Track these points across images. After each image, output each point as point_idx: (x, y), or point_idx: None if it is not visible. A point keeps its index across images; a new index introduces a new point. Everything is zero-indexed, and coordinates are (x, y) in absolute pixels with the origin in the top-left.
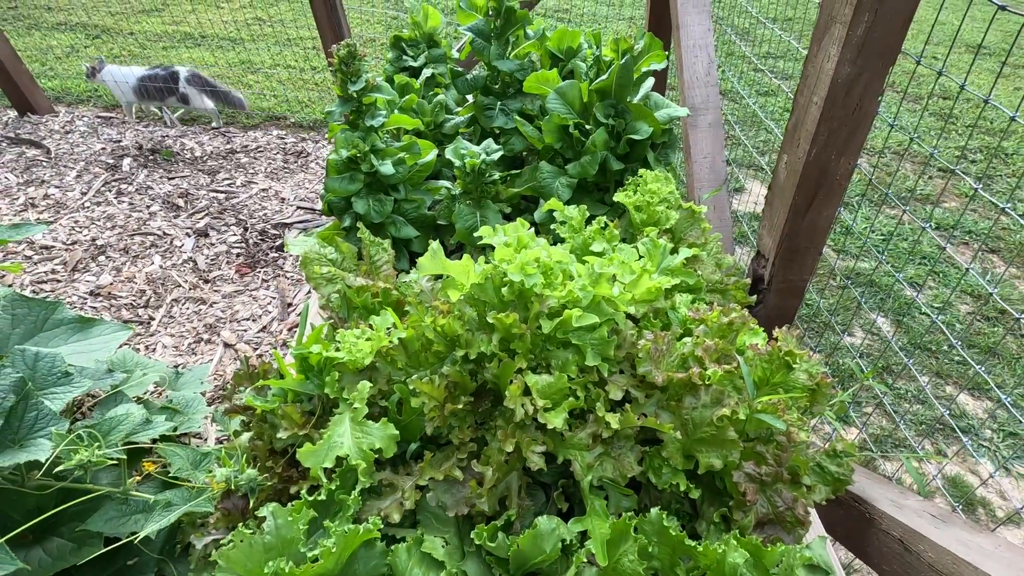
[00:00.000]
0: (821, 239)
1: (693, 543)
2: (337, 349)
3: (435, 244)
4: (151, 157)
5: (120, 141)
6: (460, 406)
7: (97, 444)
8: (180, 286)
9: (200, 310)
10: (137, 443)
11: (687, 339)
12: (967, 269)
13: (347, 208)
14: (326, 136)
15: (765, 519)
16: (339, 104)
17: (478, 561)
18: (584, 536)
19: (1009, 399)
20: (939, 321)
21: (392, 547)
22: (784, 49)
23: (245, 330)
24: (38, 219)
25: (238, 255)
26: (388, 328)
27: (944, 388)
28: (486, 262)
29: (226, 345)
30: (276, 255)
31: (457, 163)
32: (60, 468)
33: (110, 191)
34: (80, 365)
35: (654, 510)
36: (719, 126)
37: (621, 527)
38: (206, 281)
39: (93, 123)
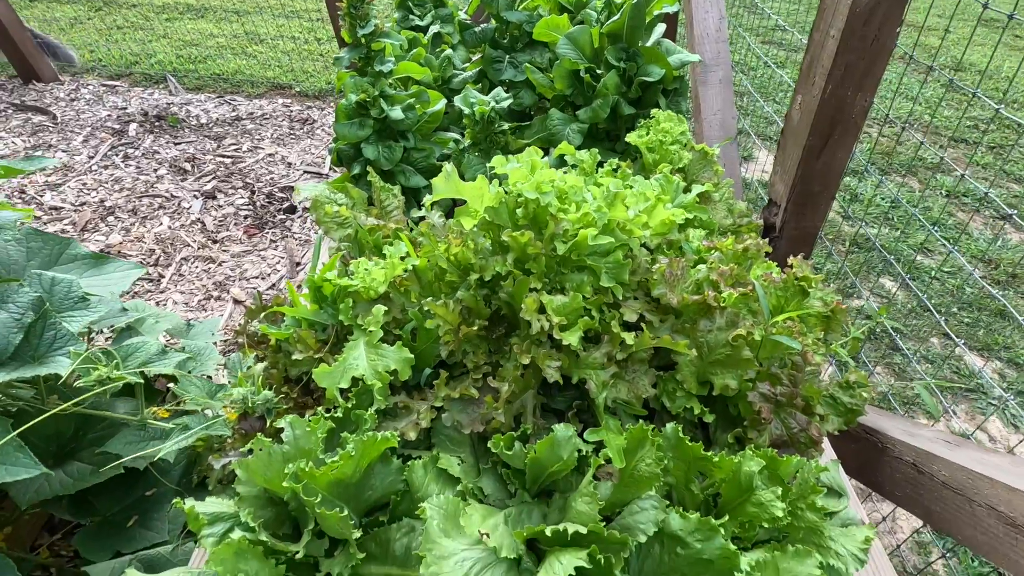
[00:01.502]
0: (835, 183)
1: (709, 454)
2: (351, 277)
3: (449, 165)
4: (157, 123)
5: (126, 108)
6: (475, 329)
7: (115, 363)
8: (189, 245)
9: (209, 268)
10: (153, 375)
11: (701, 266)
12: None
13: (356, 156)
14: (332, 104)
15: (779, 440)
16: (348, 50)
17: (493, 477)
18: (599, 450)
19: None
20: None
21: (408, 463)
22: (793, 21)
23: (254, 287)
24: (46, 182)
25: (246, 217)
26: (402, 256)
27: (953, 349)
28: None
29: (236, 301)
30: (283, 217)
31: (466, 111)
32: (79, 383)
33: (117, 155)
34: (96, 295)
35: (669, 425)
36: (729, 83)
37: (637, 433)
38: (214, 241)
39: (98, 91)
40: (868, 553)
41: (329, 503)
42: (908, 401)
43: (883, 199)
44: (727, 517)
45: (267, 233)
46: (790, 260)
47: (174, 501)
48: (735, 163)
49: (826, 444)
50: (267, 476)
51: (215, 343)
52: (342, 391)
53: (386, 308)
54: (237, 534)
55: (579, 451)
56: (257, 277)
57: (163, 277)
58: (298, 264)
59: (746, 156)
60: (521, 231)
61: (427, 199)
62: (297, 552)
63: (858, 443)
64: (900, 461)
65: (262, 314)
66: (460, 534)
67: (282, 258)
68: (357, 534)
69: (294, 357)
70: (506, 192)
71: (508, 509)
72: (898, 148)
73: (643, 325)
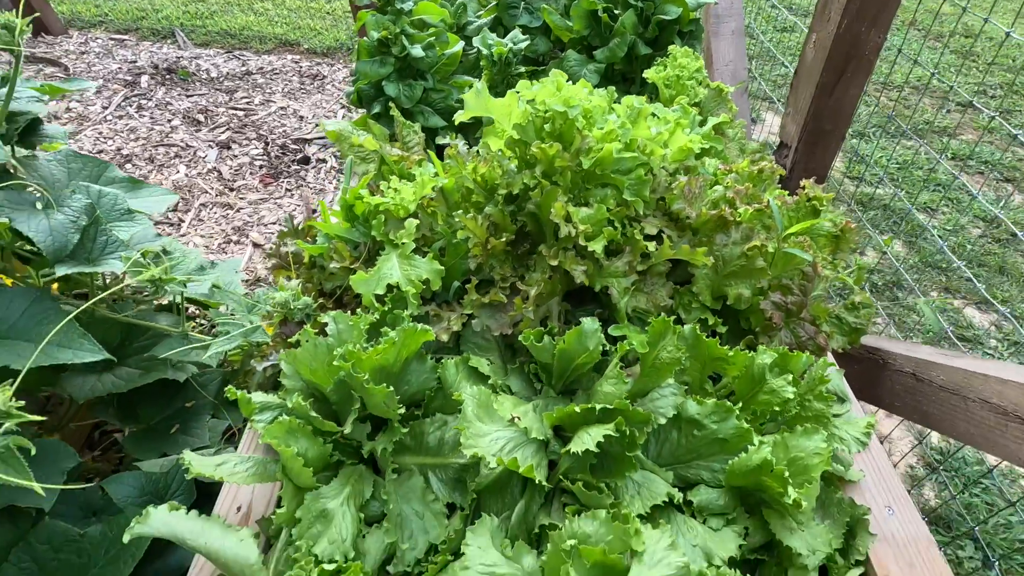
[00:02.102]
0: (845, 122)
1: (724, 348)
2: (383, 195)
3: (479, 83)
4: (168, 76)
5: (135, 62)
6: (502, 242)
7: (165, 267)
8: (207, 192)
9: (227, 214)
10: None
11: (718, 187)
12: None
13: (377, 96)
14: (342, 61)
15: (788, 348)
16: None
17: (520, 376)
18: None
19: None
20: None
21: (441, 361)
22: None
23: (272, 233)
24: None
25: (261, 167)
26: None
27: (952, 302)
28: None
29: (255, 245)
30: (298, 168)
31: (484, 51)
32: (132, 280)
33: (130, 106)
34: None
35: (687, 325)
36: (741, 34)
37: (660, 325)
38: (231, 189)
39: (107, 44)
40: (870, 438)
41: (376, 381)
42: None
43: (889, 160)
44: (740, 406)
45: (282, 182)
46: (802, 182)
47: (227, 389)
48: (746, 111)
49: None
50: (312, 367)
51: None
52: (377, 298)
53: (417, 222)
54: (285, 418)
55: (603, 347)
56: (274, 223)
57: (183, 221)
58: (314, 211)
59: (754, 118)
60: (549, 143)
61: (457, 115)
62: (344, 430)
63: (860, 364)
64: (900, 373)
65: (294, 236)
66: (493, 419)
67: (298, 205)
68: (401, 410)
69: (330, 267)
70: (533, 111)
71: (535, 401)
72: (905, 111)
73: (663, 238)
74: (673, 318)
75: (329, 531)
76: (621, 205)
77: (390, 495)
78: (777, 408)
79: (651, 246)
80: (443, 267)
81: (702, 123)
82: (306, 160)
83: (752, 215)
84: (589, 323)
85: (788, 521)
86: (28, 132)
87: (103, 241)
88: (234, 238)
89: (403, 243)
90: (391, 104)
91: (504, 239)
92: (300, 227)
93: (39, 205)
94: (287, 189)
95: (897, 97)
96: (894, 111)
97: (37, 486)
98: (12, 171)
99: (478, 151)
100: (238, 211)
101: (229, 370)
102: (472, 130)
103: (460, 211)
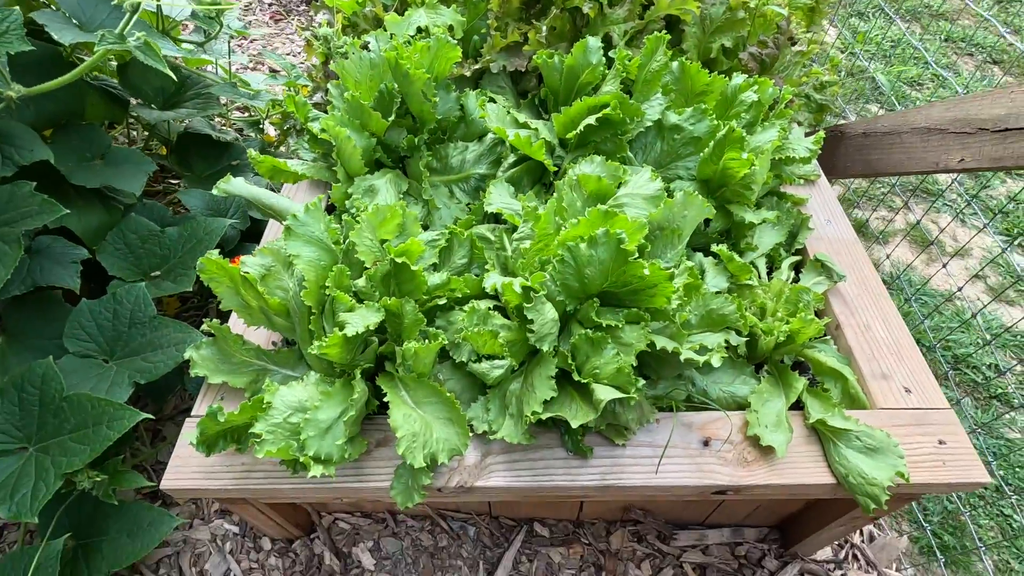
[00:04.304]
0: None
1: (705, 72)
2: None
3: None
4: None
5: None
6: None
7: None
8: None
9: (242, 43)
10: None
11: None
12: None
13: None
14: None
15: None
16: None
17: (530, 108)
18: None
19: None
20: None
21: (463, 90)
22: None
23: (287, 63)
24: None
25: (270, 5)
26: None
27: None
28: None
29: (272, 71)
30: (305, 8)
31: None
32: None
33: None
34: None
35: (675, 61)
36: None
37: (653, 42)
38: (243, 24)
39: None
40: (820, 146)
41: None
42: (872, 197)
43: (883, 39)
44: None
45: (292, 20)
46: None
47: (281, 97)
48: None
49: None
50: (357, 79)
51: None
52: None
53: None
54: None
55: (603, 66)
56: (288, 55)
57: None
58: None
59: None
60: None
61: None
62: (389, 119)
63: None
64: (854, 136)
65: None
66: (510, 125)
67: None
68: (437, 117)
69: (363, 17)
70: None
71: (544, 120)
72: None
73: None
74: None
75: (376, 199)
76: None
77: (426, 186)
78: (744, 114)
79: None
80: (464, 19)
81: None
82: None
83: None
84: (593, 40)
85: (744, 206)
86: None
87: None
88: (250, 66)
89: None
90: None
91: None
92: None
93: None
94: (298, 26)
95: None
96: None
97: (169, 72)
98: None
99: None
100: (252, 42)
101: (263, 141)
102: None
103: None
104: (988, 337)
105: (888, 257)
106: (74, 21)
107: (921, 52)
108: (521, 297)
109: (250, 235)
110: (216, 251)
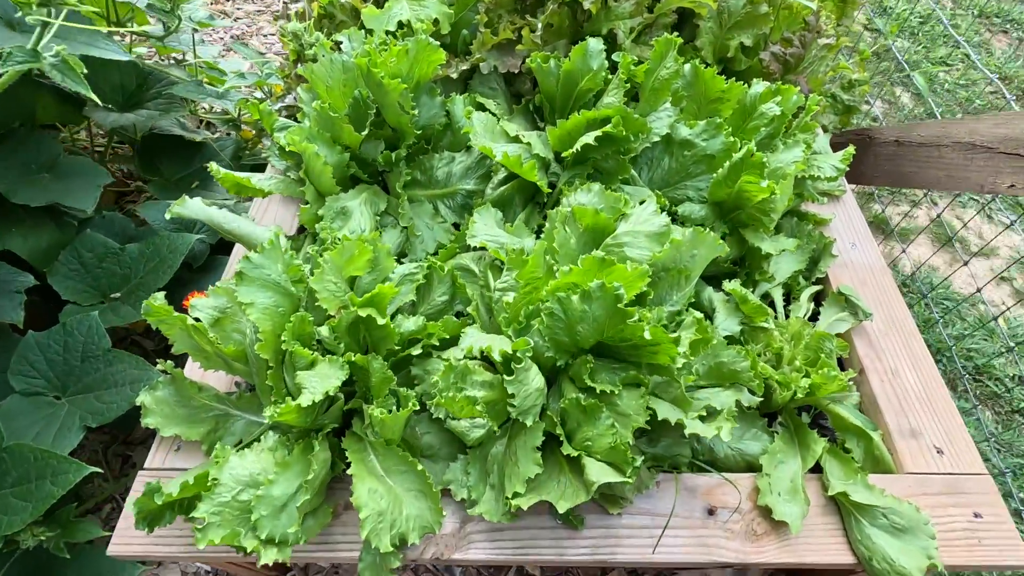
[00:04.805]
0: None
1: (721, 79)
2: None
3: None
4: None
5: None
6: None
7: None
8: (205, 2)
9: (222, 27)
10: None
11: None
12: None
13: None
14: None
15: None
16: None
17: (524, 116)
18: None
19: None
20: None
21: (449, 95)
22: None
23: (272, 44)
24: None
25: None
26: None
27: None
28: None
29: (258, 53)
30: None
31: None
32: None
33: None
34: None
35: (687, 64)
36: None
37: (662, 45)
38: None
39: None
40: (848, 165)
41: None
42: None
43: (911, 15)
44: (730, 131)
45: (277, 1)
46: None
47: (241, 104)
48: None
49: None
50: (329, 85)
51: None
52: (388, 34)
53: None
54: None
55: (604, 69)
56: (273, 34)
57: None
58: None
59: None
60: None
61: None
62: (363, 132)
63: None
64: (884, 144)
65: None
66: (499, 138)
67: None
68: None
69: (339, 9)
70: None
71: (539, 132)
72: None
73: None
74: None
75: (348, 224)
76: None
77: (404, 210)
78: (764, 128)
79: None
80: (451, 11)
81: None
82: None
83: None
84: (594, 43)
85: (760, 233)
86: None
87: None
88: (232, 47)
89: None
90: None
91: None
92: None
93: None
94: (274, 13)
95: None
96: None
97: (93, 96)
98: None
99: None
100: (236, 20)
101: (240, 140)
102: None
103: None
104: (1011, 344)
105: (905, 251)
106: (2, 21)
107: (949, 32)
108: (501, 367)
109: (223, 247)
110: (162, 293)
